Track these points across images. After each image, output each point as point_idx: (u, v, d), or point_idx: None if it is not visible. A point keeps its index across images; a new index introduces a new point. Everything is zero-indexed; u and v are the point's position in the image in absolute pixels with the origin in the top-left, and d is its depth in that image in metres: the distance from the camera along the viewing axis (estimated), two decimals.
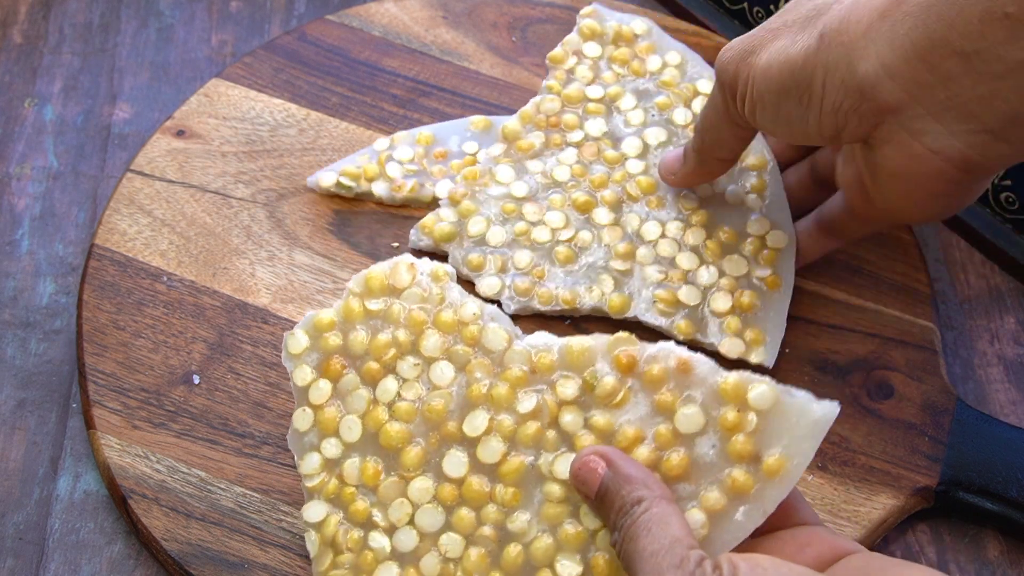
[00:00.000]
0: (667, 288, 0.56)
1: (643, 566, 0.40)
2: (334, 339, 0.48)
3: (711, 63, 0.68)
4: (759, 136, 0.61)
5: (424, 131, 0.62)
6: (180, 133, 0.63)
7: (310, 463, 0.47)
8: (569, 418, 0.45)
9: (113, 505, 0.53)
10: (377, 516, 0.46)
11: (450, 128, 0.63)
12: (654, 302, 0.56)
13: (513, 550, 0.44)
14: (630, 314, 0.56)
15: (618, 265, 0.57)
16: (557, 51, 0.63)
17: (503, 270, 0.57)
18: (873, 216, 0.52)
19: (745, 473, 0.42)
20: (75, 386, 0.57)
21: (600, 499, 0.43)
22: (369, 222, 0.60)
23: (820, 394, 0.56)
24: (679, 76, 0.63)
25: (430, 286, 0.48)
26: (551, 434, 0.45)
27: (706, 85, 0.62)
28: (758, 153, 0.60)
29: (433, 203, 0.61)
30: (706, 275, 0.57)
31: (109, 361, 0.55)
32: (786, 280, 0.58)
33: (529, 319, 0.57)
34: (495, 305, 0.49)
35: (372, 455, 0.47)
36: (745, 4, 0.69)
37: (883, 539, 0.54)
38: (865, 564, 0.41)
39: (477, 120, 0.62)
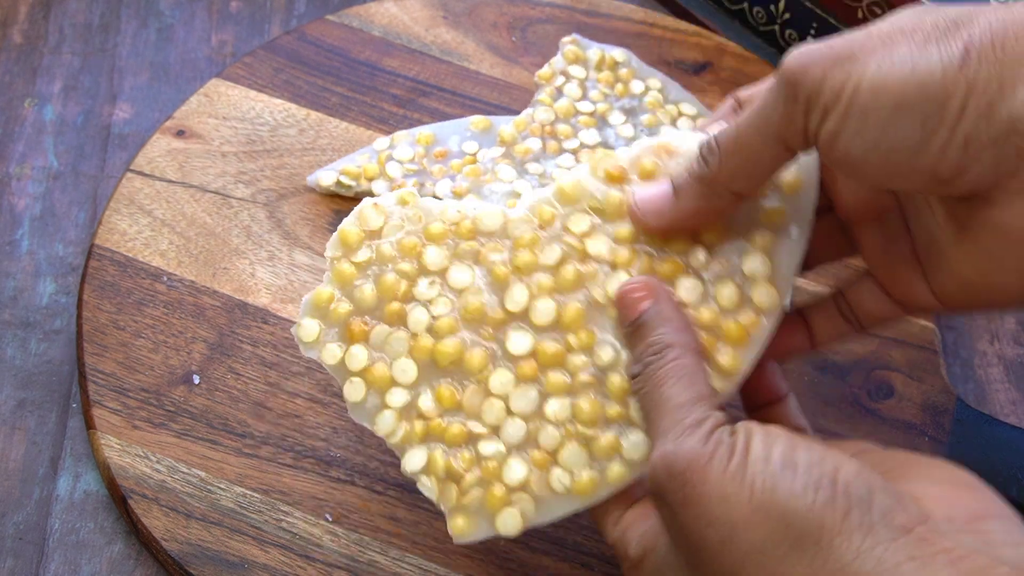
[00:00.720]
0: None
1: (663, 415, 0.40)
2: (342, 306, 0.47)
3: (710, 65, 0.68)
4: None
5: (424, 131, 0.62)
6: (180, 133, 0.63)
7: (385, 423, 0.46)
8: (596, 245, 0.45)
9: (113, 505, 0.53)
10: (476, 427, 0.45)
11: (450, 128, 0.63)
12: None
13: (615, 380, 0.44)
14: None
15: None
16: (545, 70, 0.63)
17: None
18: (927, 302, 0.44)
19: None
20: (75, 386, 0.57)
21: (635, 329, 0.42)
22: None
23: (820, 394, 0.56)
24: (662, 99, 0.64)
25: (403, 212, 0.47)
26: (589, 267, 0.45)
27: (689, 108, 0.63)
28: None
29: None
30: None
31: (109, 361, 0.55)
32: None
33: None
34: (471, 197, 0.49)
35: (438, 381, 0.46)
36: (745, 4, 0.69)
37: None
38: (883, 458, 0.40)
39: (477, 120, 0.63)
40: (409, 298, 0.47)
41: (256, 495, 0.52)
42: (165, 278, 0.58)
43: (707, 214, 0.44)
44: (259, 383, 0.55)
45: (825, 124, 0.39)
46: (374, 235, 0.47)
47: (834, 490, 0.35)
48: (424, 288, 0.47)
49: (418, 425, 0.45)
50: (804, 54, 0.39)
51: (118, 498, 0.52)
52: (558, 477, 0.43)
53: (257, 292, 0.58)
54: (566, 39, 0.65)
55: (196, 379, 0.55)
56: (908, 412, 0.56)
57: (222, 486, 0.52)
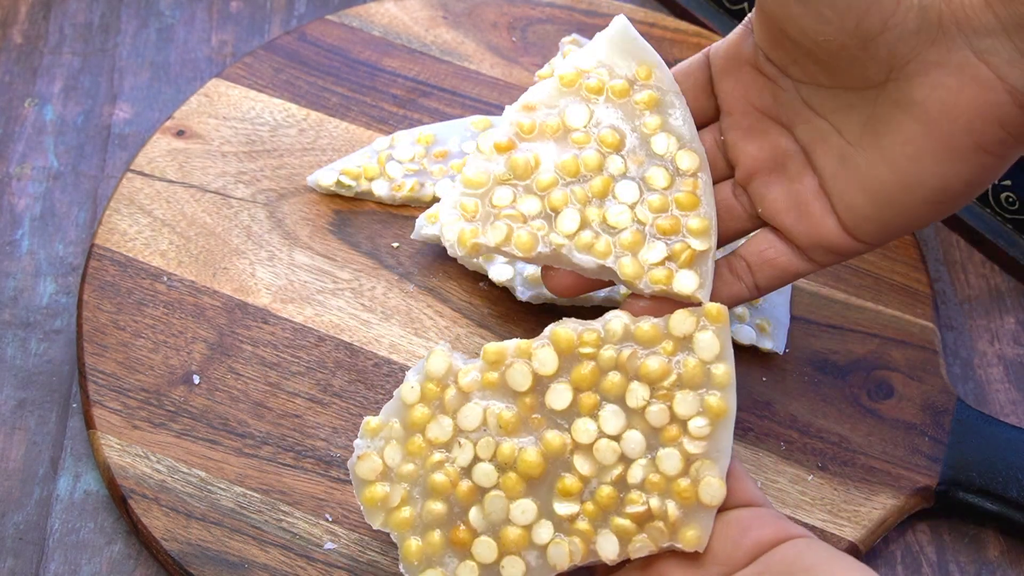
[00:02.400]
0: None
1: None
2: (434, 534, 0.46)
3: None
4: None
5: (424, 131, 0.62)
6: (180, 133, 0.63)
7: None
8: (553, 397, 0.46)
9: (113, 505, 0.53)
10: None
11: (450, 128, 0.63)
12: None
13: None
14: None
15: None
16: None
17: (512, 260, 0.57)
18: (834, 238, 0.46)
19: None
20: (75, 386, 0.57)
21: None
22: (369, 222, 0.61)
23: (820, 394, 0.56)
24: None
25: (377, 443, 0.47)
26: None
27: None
28: None
29: (434, 202, 0.61)
30: None
31: (109, 361, 0.55)
32: None
33: (541, 310, 0.57)
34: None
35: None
36: (745, 4, 0.69)
37: (883, 539, 0.54)
38: (798, 554, 0.41)
39: (477, 120, 0.63)
40: (461, 473, 0.46)
41: (256, 495, 0.52)
42: (165, 278, 0.58)
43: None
44: (259, 383, 0.55)
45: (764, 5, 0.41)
46: (385, 474, 0.46)
47: None
48: (459, 454, 0.46)
49: (579, 526, 0.45)
50: None
51: (118, 498, 0.52)
52: (696, 426, 0.44)
53: (257, 292, 0.58)
54: (566, 39, 0.65)
55: (196, 379, 0.55)
56: (908, 412, 0.56)
57: (222, 486, 0.52)
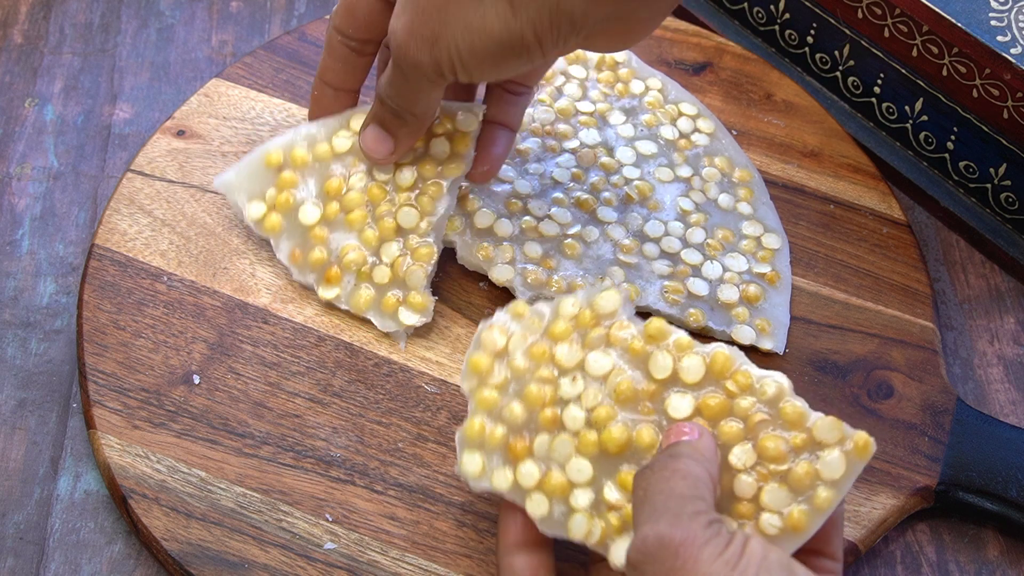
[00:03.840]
0: (676, 280, 0.57)
1: (667, 500, 0.40)
2: (497, 431, 0.47)
3: (710, 65, 0.68)
4: (742, 151, 0.63)
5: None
6: (180, 133, 0.63)
7: (579, 527, 0.46)
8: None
9: (113, 505, 0.53)
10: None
11: None
12: (665, 292, 0.57)
13: (788, 408, 0.44)
14: (642, 303, 0.57)
15: (626, 258, 0.58)
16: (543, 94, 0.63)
17: (512, 261, 0.57)
18: None
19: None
20: (75, 386, 0.57)
21: (668, 449, 0.43)
22: None
23: (820, 394, 0.56)
24: (662, 99, 0.64)
25: (521, 323, 0.49)
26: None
27: (689, 108, 0.64)
28: (744, 167, 0.63)
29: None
30: (711, 269, 0.58)
31: (109, 361, 0.55)
32: (784, 275, 0.59)
33: None
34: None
35: (615, 469, 0.46)
36: (745, 4, 0.69)
37: (883, 539, 0.54)
38: None
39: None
40: (557, 401, 0.47)
41: (256, 495, 0.52)
42: (165, 278, 0.58)
43: (413, 140, 0.55)
44: (259, 383, 0.55)
45: (458, 77, 0.49)
46: (501, 354, 0.48)
47: None
48: (568, 387, 0.47)
49: (613, 518, 0.45)
50: (406, 47, 0.49)
51: (118, 498, 0.52)
52: (768, 521, 0.43)
53: (257, 292, 0.58)
54: None
55: (196, 379, 0.55)
56: (908, 412, 0.56)
57: (222, 486, 0.52)
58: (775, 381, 0.45)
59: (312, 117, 0.58)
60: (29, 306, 0.59)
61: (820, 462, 0.43)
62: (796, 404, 0.44)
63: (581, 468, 0.46)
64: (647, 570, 0.38)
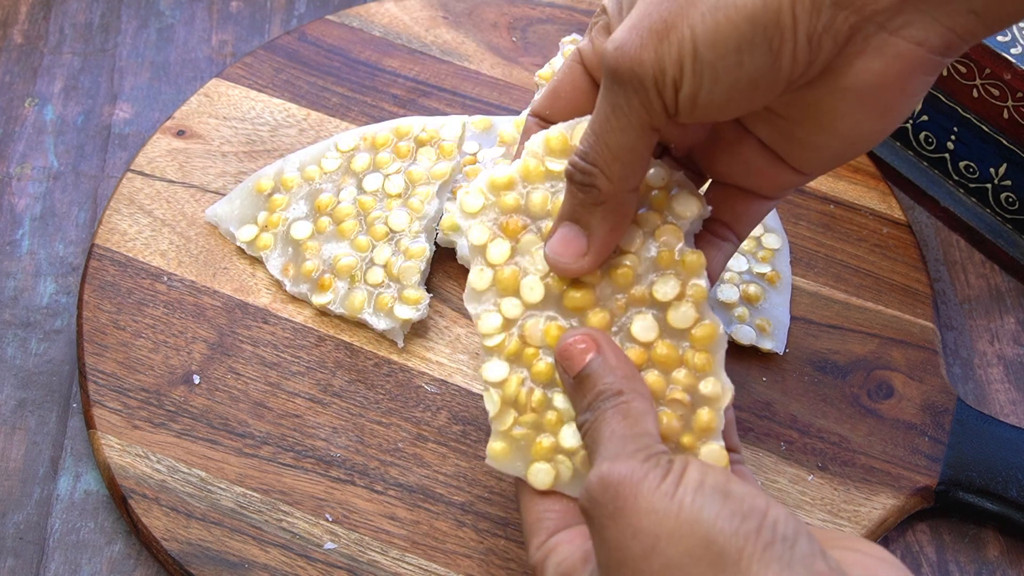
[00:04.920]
0: None
1: (608, 444, 0.40)
2: (512, 198, 0.47)
3: None
4: None
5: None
6: (180, 133, 0.63)
7: (490, 322, 0.46)
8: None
9: (113, 505, 0.53)
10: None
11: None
12: None
13: (705, 415, 0.44)
14: None
15: None
16: (545, 70, 0.63)
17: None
18: (790, 179, 0.46)
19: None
20: (75, 386, 0.57)
21: (580, 381, 0.43)
22: None
23: (820, 394, 0.56)
24: None
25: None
26: None
27: None
28: None
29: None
30: None
31: (109, 361, 0.55)
32: (784, 275, 0.59)
33: None
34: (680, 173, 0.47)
35: (555, 316, 0.45)
36: None
37: (883, 539, 0.54)
38: (816, 531, 0.41)
39: (478, 120, 0.62)
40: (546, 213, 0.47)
41: (256, 495, 0.52)
42: (165, 278, 0.58)
43: (622, 227, 0.45)
44: (259, 383, 0.55)
45: (681, 94, 0.40)
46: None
47: (761, 522, 0.36)
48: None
49: (514, 343, 0.45)
50: (627, 46, 0.40)
51: (118, 498, 0.52)
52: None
53: (257, 292, 0.58)
54: (566, 39, 0.65)
55: (196, 379, 0.55)
56: (908, 412, 0.56)
57: (222, 486, 0.52)
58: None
59: None
60: (29, 306, 0.59)
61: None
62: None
63: (534, 288, 0.46)
64: (595, 514, 0.39)
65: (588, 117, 0.44)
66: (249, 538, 0.50)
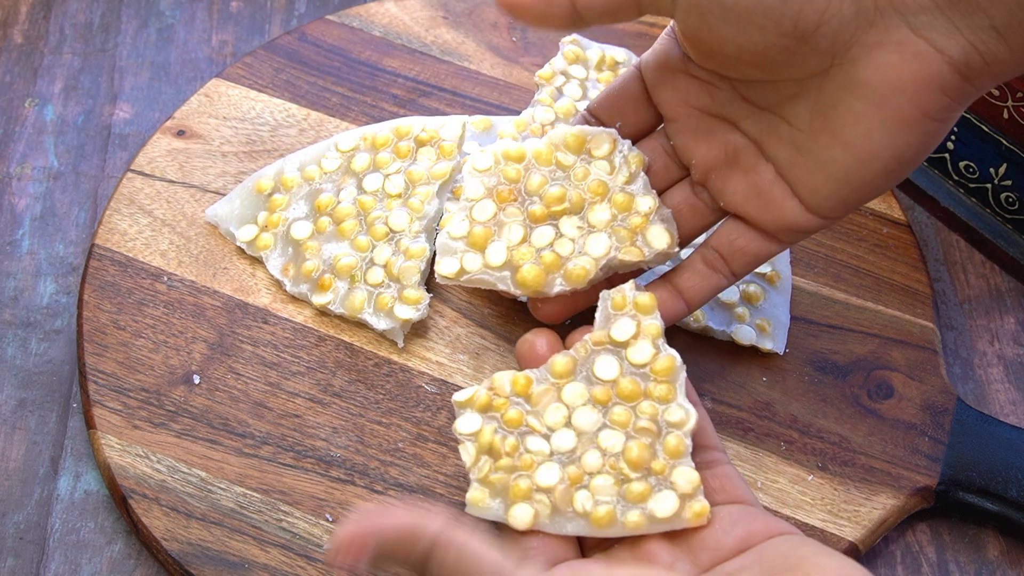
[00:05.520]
0: None
1: None
2: (515, 170, 0.52)
3: None
4: None
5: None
6: (180, 133, 0.63)
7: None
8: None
9: (113, 505, 0.53)
10: (533, 422, 0.47)
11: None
12: None
13: (672, 440, 0.46)
14: None
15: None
16: (545, 70, 0.63)
17: None
18: (799, 218, 0.47)
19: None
20: (75, 386, 0.57)
21: (384, 561, 0.40)
22: None
23: (820, 394, 0.56)
24: None
25: (623, 165, 0.51)
26: None
27: None
28: None
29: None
30: None
31: (109, 361, 0.55)
32: (784, 275, 0.59)
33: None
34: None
35: (526, 373, 0.48)
36: None
37: (883, 539, 0.54)
38: (791, 546, 0.41)
39: (478, 120, 0.62)
40: (554, 217, 0.52)
41: (256, 495, 0.52)
42: (165, 278, 0.58)
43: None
44: (259, 383, 0.55)
45: (709, 29, 0.42)
46: (588, 155, 0.52)
47: None
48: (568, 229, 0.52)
49: (484, 396, 0.47)
50: None
51: (118, 498, 0.52)
52: (582, 499, 0.45)
53: (257, 292, 0.58)
54: (566, 39, 0.65)
55: (196, 379, 0.55)
56: (908, 412, 0.56)
57: (222, 486, 0.52)
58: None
59: None
60: (29, 306, 0.59)
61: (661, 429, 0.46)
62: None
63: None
64: None
65: (612, 131, 0.51)
66: (249, 538, 0.50)
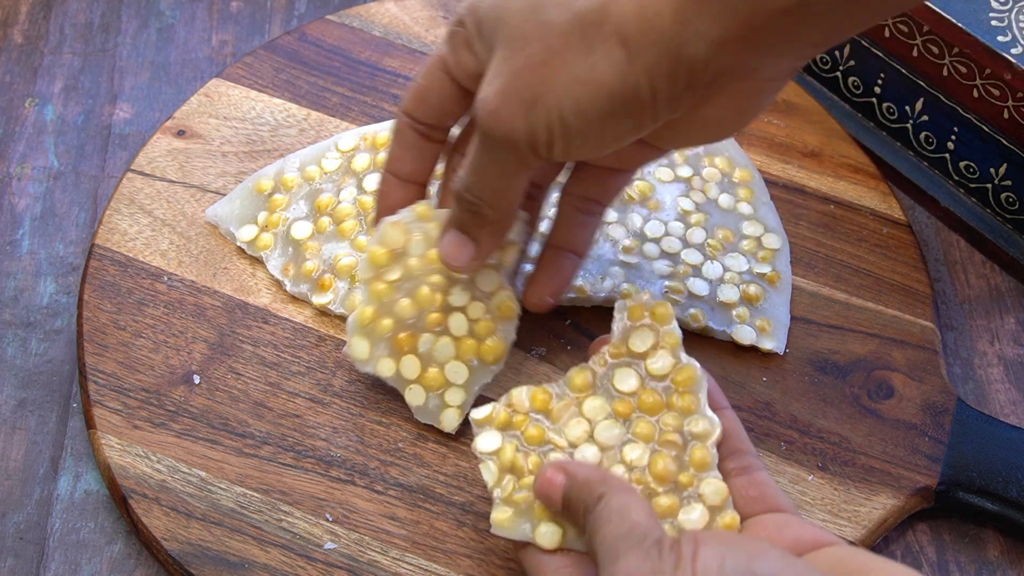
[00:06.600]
0: (677, 280, 0.57)
1: (604, 552, 0.40)
2: (385, 322, 0.52)
3: None
4: (742, 151, 0.62)
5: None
6: (180, 133, 0.63)
7: (449, 420, 0.52)
8: None
9: (113, 505, 0.53)
10: (555, 438, 0.47)
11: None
12: (666, 292, 0.57)
13: (698, 452, 0.46)
14: None
15: (626, 258, 0.58)
16: None
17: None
18: (652, 155, 0.50)
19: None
20: (75, 386, 0.57)
21: (567, 508, 0.43)
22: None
23: (820, 394, 0.56)
24: None
25: (424, 226, 0.51)
26: None
27: None
28: (744, 167, 0.62)
29: None
30: (712, 269, 0.58)
31: (109, 361, 0.55)
32: (785, 275, 0.59)
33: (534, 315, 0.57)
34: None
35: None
36: None
37: (883, 539, 0.54)
38: (847, 556, 0.41)
39: None
40: (445, 307, 0.51)
41: (256, 495, 0.52)
42: (165, 278, 0.58)
43: (499, 241, 0.50)
44: (259, 383, 0.55)
45: (554, 150, 0.44)
46: (400, 253, 0.51)
47: None
48: (458, 296, 0.51)
49: (503, 414, 0.47)
50: (499, 113, 0.44)
51: (118, 498, 0.52)
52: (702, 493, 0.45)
53: (258, 292, 0.58)
54: None
55: (196, 379, 0.55)
56: (908, 412, 0.56)
57: (222, 486, 0.52)
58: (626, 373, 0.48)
59: (380, 215, 0.53)
60: (29, 306, 0.59)
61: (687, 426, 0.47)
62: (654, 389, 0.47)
63: (458, 371, 0.52)
64: None
65: (414, 220, 0.51)
66: (249, 538, 0.50)
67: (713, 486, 0.45)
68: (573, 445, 0.47)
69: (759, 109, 0.46)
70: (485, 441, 0.47)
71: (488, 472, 0.46)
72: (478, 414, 0.47)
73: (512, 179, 0.47)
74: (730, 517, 0.44)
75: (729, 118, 0.45)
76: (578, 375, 0.48)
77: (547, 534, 0.45)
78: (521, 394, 0.47)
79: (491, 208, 0.47)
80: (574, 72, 0.42)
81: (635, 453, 0.46)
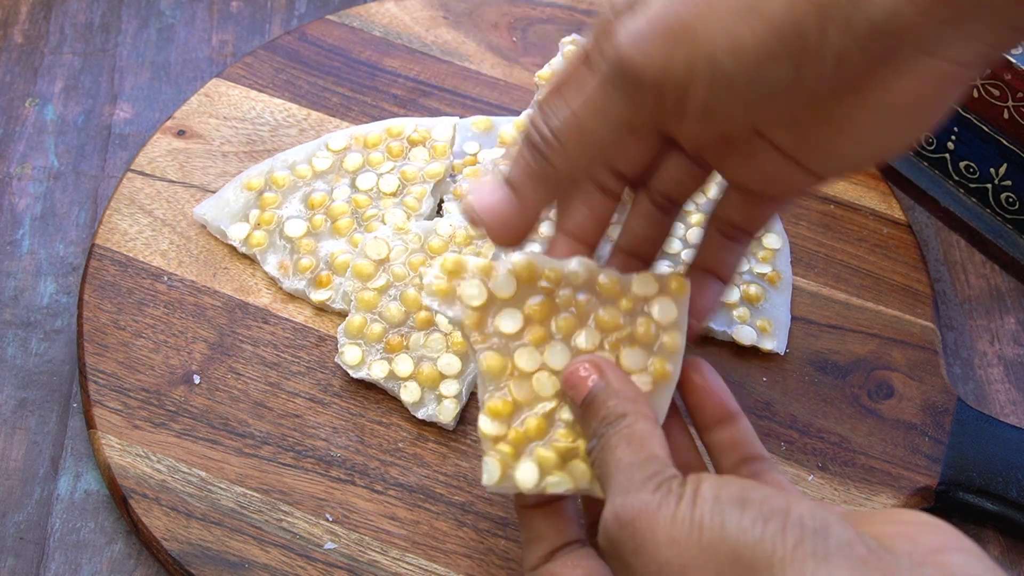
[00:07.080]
0: None
1: (617, 475, 0.40)
2: (375, 327, 0.54)
3: None
4: None
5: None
6: (181, 133, 0.63)
7: (447, 411, 0.53)
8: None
9: (113, 505, 0.53)
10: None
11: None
12: None
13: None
14: None
15: None
16: (545, 71, 0.63)
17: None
18: (802, 180, 0.44)
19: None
20: (76, 386, 0.57)
21: (586, 406, 0.42)
22: None
23: (820, 394, 0.56)
24: None
25: (403, 237, 0.56)
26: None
27: None
28: None
29: None
30: None
31: (110, 361, 0.55)
32: (785, 275, 0.59)
33: None
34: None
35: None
36: None
37: None
38: (845, 512, 0.40)
39: (478, 120, 0.63)
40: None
41: (256, 495, 0.52)
42: (166, 278, 0.58)
43: (544, 206, 0.43)
44: (259, 383, 0.55)
45: (691, 99, 0.38)
46: (383, 262, 0.55)
47: (785, 521, 0.35)
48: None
49: (504, 403, 0.44)
50: (639, 39, 0.38)
51: (118, 498, 0.52)
52: (639, 382, 0.44)
53: (258, 292, 0.58)
54: (566, 39, 0.65)
55: (196, 379, 0.55)
56: (908, 412, 0.56)
57: (222, 486, 0.52)
58: (580, 263, 0.44)
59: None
60: (29, 306, 0.59)
61: (653, 312, 0.44)
62: (604, 278, 0.44)
63: (450, 362, 0.54)
64: (616, 552, 0.38)
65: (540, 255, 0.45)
66: (249, 538, 0.50)
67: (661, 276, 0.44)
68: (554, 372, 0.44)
69: (936, 112, 0.40)
70: (487, 424, 0.44)
71: (490, 469, 0.45)
72: (488, 429, 0.44)
73: (613, 131, 0.40)
74: (676, 282, 0.44)
75: (902, 118, 0.40)
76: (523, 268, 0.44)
77: (526, 472, 0.43)
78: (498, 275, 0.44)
79: (566, 158, 0.40)
80: (739, 6, 0.37)
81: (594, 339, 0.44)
